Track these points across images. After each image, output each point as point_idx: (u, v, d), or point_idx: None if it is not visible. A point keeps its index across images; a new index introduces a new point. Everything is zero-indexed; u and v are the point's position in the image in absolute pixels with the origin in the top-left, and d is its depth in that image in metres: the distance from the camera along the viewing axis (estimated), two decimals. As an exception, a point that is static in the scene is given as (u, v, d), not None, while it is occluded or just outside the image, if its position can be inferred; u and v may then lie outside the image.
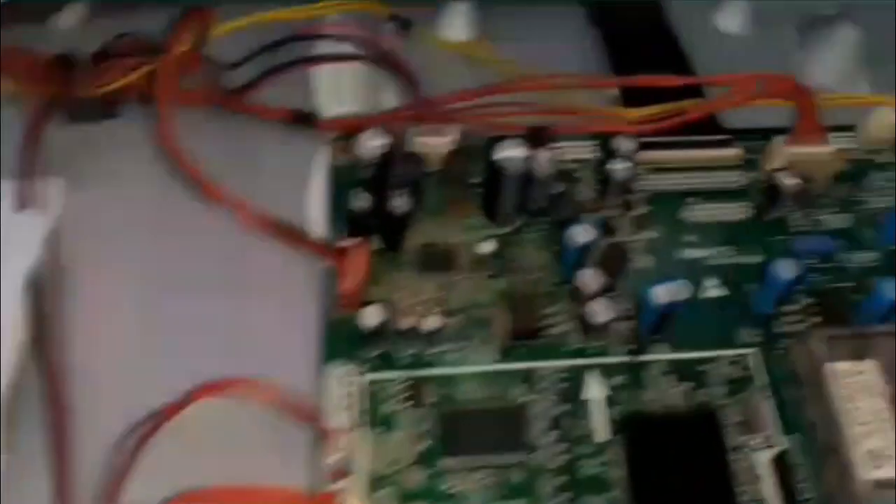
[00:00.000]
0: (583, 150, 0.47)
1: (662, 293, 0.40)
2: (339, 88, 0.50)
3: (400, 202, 0.41)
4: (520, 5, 0.55)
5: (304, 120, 0.48)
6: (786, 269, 0.42)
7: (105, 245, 0.43)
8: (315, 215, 0.44)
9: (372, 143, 0.41)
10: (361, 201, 0.40)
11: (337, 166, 0.45)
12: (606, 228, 0.44)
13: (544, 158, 0.43)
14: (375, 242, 0.42)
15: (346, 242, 0.40)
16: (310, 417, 0.36)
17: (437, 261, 0.43)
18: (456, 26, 0.53)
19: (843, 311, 0.43)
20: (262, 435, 0.37)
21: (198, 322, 0.41)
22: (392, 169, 0.43)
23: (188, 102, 0.47)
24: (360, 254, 0.40)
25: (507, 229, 0.44)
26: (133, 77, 0.44)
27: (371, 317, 0.39)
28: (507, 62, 0.50)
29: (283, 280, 0.42)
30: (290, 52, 0.46)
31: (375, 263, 0.42)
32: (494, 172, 0.42)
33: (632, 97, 0.49)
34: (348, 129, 0.46)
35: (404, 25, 0.52)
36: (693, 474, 0.38)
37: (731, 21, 0.56)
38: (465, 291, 0.42)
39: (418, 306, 0.41)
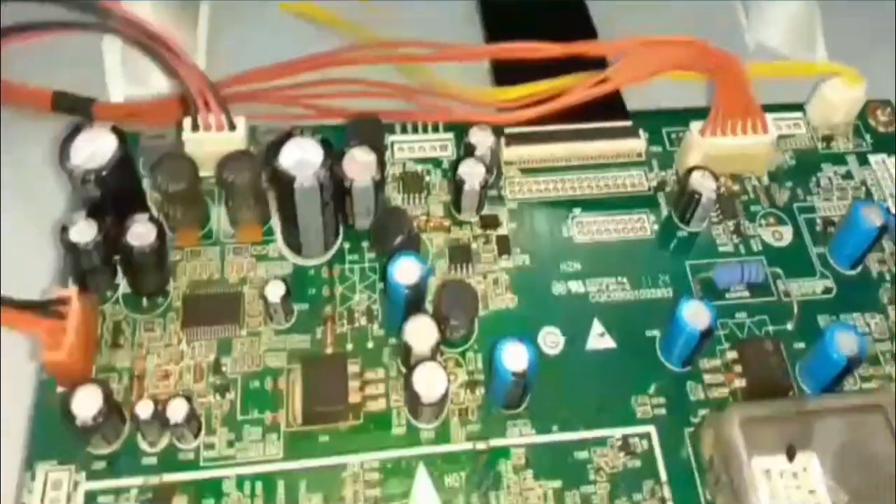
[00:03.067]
0: (433, 147, 0.35)
1: (515, 356, 0.28)
2: (133, 65, 0.38)
3: (143, 230, 0.29)
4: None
5: (70, 107, 0.37)
6: (697, 315, 0.30)
7: None
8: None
9: (94, 148, 0.28)
10: (80, 232, 0.28)
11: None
12: (453, 257, 0.32)
13: (362, 162, 0.30)
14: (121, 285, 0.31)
15: (56, 294, 0.28)
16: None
17: (211, 310, 0.31)
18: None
19: (777, 370, 0.32)
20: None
21: None
22: (154, 178, 0.30)
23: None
24: (73, 309, 0.27)
25: (314, 262, 0.32)
26: None
27: (84, 403, 0.27)
28: (357, 26, 0.38)
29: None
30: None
31: (114, 317, 0.31)
32: (281, 185, 0.29)
33: (508, 73, 0.37)
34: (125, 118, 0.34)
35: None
36: None
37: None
38: (246, 354, 0.31)
39: (175, 378, 0.29)
